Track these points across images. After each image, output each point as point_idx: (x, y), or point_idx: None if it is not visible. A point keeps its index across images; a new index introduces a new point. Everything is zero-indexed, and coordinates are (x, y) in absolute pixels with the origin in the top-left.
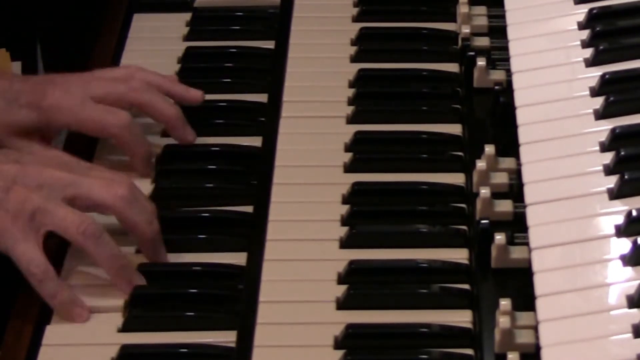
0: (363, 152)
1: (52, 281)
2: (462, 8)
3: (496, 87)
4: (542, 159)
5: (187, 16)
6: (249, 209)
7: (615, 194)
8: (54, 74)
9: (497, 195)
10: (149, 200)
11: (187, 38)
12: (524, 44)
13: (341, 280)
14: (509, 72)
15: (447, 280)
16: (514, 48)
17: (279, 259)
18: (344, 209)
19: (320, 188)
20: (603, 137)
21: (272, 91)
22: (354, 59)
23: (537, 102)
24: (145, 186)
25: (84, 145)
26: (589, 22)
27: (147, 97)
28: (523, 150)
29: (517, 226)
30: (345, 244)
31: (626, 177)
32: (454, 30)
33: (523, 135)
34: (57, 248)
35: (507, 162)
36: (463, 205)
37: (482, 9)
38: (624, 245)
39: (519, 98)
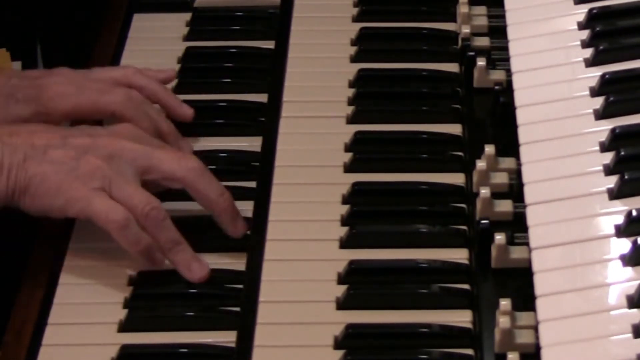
0: (363, 152)
1: (134, 227)
2: (462, 8)
3: (496, 87)
4: (542, 159)
5: (187, 16)
6: (249, 209)
7: (615, 194)
8: (51, 69)
9: (497, 195)
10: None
11: (187, 38)
12: (524, 44)
13: (341, 280)
14: (509, 72)
15: (447, 280)
16: (514, 48)
17: (279, 259)
18: (344, 209)
19: (320, 188)
20: (603, 137)
21: (272, 91)
22: (354, 59)
23: (537, 102)
24: None
25: None
26: (589, 22)
27: (145, 81)
28: (523, 150)
29: (517, 226)
30: (345, 244)
31: (626, 177)
32: (454, 30)
33: (523, 135)
34: (57, 247)
35: (507, 162)
36: (463, 205)
37: (482, 9)
38: (624, 245)
39: (519, 98)
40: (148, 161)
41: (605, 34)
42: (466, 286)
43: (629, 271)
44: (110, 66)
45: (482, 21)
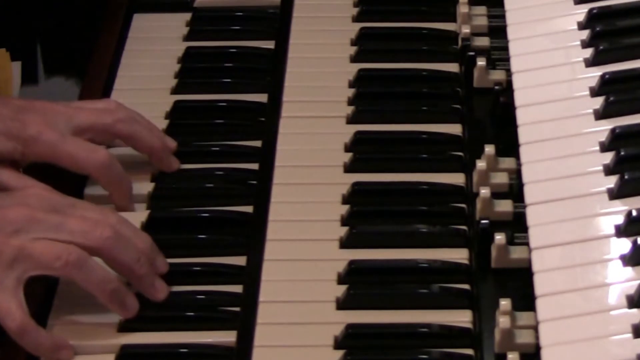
0: (363, 152)
1: (31, 334)
2: (462, 8)
3: (496, 87)
4: (542, 159)
5: (187, 16)
6: (249, 209)
7: (615, 194)
8: (35, 100)
9: (497, 195)
10: (138, 233)
11: (187, 38)
12: (524, 44)
13: (341, 280)
14: (509, 72)
15: (447, 280)
16: (514, 48)
17: (279, 259)
18: (344, 209)
19: (320, 188)
20: (603, 137)
21: (272, 91)
22: (354, 59)
23: (537, 102)
24: (146, 186)
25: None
26: (589, 22)
27: (133, 129)
28: (523, 150)
29: (517, 226)
30: (345, 244)
31: (626, 177)
32: (454, 30)
33: (523, 135)
34: None
35: (507, 162)
36: (463, 205)
37: (482, 9)
38: (624, 245)
39: (519, 98)
40: (57, 233)
41: (605, 34)
42: (466, 286)
43: (629, 271)
44: (100, 103)
45: (482, 21)
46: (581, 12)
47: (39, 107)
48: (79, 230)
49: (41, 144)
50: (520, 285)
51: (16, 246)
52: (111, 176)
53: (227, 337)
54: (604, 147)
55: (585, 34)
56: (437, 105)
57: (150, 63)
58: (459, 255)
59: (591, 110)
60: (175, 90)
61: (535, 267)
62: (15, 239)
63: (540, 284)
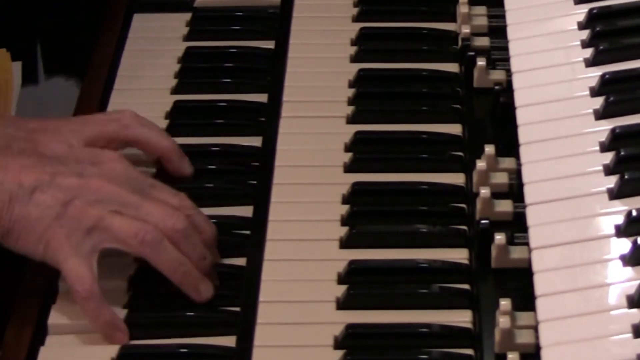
0: (363, 152)
1: (95, 302)
2: (462, 8)
3: (496, 87)
4: (542, 159)
5: (187, 16)
6: (249, 209)
7: (615, 194)
8: (47, 120)
9: (497, 195)
10: (210, 224)
11: (187, 38)
12: (524, 44)
13: (341, 280)
14: (509, 72)
15: (447, 280)
16: (514, 48)
17: (279, 259)
18: (344, 209)
19: (320, 188)
20: (603, 137)
21: (272, 91)
22: (354, 59)
23: (537, 102)
24: None
25: None
26: (589, 22)
27: (140, 132)
28: (523, 150)
29: (517, 226)
30: (345, 244)
31: (626, 177)
32: (454, 30)
33: (523, 135)
34: None
35: (507, 162)
36: (463, 205)
37: (482, 9)
38: (624, 245)
39: (519, 98)
40: (135, 212)
41: (605, 34)
42: (466, 286)
43: (629, 271)
44: (105, 115)
45: (482, 21)
46: (581, 12)
47: (50, 127)
48: (155, 215)
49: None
50: (520, 285)
51: (95, 216)
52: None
53: (227, 337)
54: (604, 147)
55: (585, 34)
56: (437, 105)
57: (150, 63)
58: (459, 255)
59: (591, 110)
60: (175, 90)
61: (535, 267)
62: (95, 209)
63: (540, 284)
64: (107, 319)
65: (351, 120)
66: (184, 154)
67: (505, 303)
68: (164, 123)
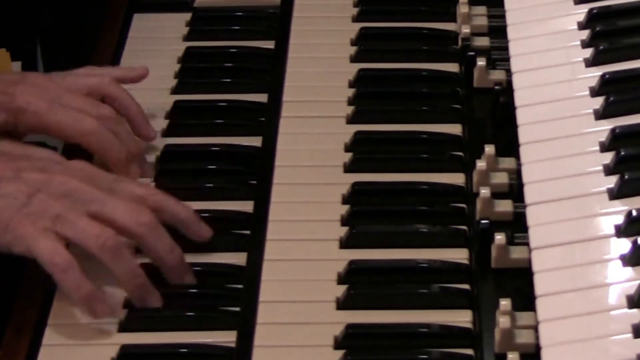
0: (363, 152)
1: (76, 272)
2: (462, 8)
3: (496, 87)
4: (542, 159)
5: (187, 16)
6: (249, 209)
7: (615, 194)
8: (27, 73)
9: (497, 195)
10: (184, 206)
11: (187, 38)
12: (524, 44)
13: (341, 280)
14: (509, 72)
15: (447, 280)
16: (514, 48)
17: (279, 259)
18: (344, 209)
19: (320, 188)
20: (603, 137)
21: (272, 91)
22: (354, 59)
23: (537, 102)
24: None
25: (82, 150)
26: (589, 22)
27: (117, 91)
28: (523, 150)
29: (517, 226)
30: (345, 244)
31: (626, 177)
32: (454, 30)
33: (523, 135)
34: None
35: (507, 162)
36: (463, 205)
37: (482, 9)
38: (624, 245)
39: (519, 98)
40: (100, 207)
41: (605, 34)
42: (466, 286)
43: (629, 271)
44: (87, 70)
45: (482, 21)
46: (581, 12)
47: (30, 80)
48: (120, 210)
49: (29, 115)
50: (520, 285)
51: (59, 209)
52: (99, 143)
53: (227, 337)
54: (604, 147)
55: (585, 34)
56: (437, 105)
57: (150, 63)
58: (459, 255)
59: (591, 110)
60: (175, 90)
61: (535, 267)
62: (60, 202)
63: (540, 284)
64: (89, 289)
65: (351, 120)
66: (147, 120)
67: (505, 303)
68: (164, 123)
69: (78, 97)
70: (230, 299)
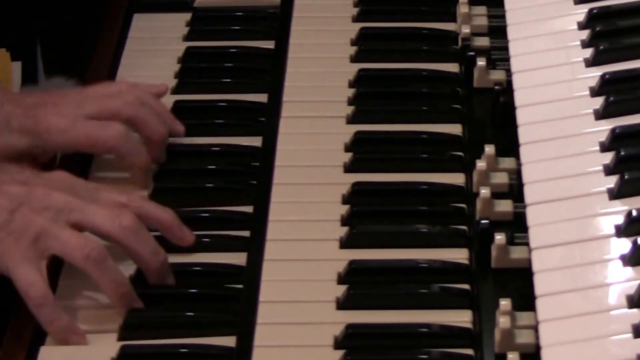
0: (363, 152)
1: (50, 307)
2: (462, 8)
3: (496, 87)
4: (542, 159)
5: (187, 16)
6: (249, 209)
7: (615, 194)
8: (45, 94)
9: (497, 195)
10: (166, 210)
11: (187, 38)
12: (524, 44)
13: (341, 280)
14: (509, 72)
15: (447, 280)
16: (514, 48)
17: (279, 259)
18: (344, 209)
19: (320, 188)
20: (603, 137)
21: (272, 91)
22: (354, 59)
23: (537, 102)
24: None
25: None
26: (589, 22)
27: (141, 113)
28: (523, 150)
29: (517, 226)
30: (345, 244)
31: (626, 177)
32: (454, 30)
33: (523, 135)
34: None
35: (507, 162)
36: (463, 205)
37: (482, 9)
38: (624, 245)
39: (519, 98)
40: (81, 215)
41: (605, 34)
42: (466, 286)
43: (629, 271)
44: (104, 83)
45: (482, 21)
46: (581, 12)
47: (50, 101)
48: (101, 215)
49: (56, 134)
50: (520, 285)
51: (42, 223)
52: (128, 148)
53: (227, 337)
54: (604, 147)
55: (585, 34)
56: (437, 105)
57: (150, 63)
58: (459, 255)
59: (591, 110)
60: (175, 90)
61: (535, 267)
62: (42, 216)
63: (540, 284)
64: (62, 323)
65: (351, 120)
66: (165, 144)
67: (505, 303)
68: None
69: (99, 105)
70: (230, 299)
